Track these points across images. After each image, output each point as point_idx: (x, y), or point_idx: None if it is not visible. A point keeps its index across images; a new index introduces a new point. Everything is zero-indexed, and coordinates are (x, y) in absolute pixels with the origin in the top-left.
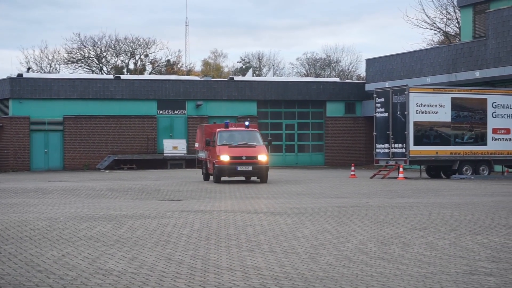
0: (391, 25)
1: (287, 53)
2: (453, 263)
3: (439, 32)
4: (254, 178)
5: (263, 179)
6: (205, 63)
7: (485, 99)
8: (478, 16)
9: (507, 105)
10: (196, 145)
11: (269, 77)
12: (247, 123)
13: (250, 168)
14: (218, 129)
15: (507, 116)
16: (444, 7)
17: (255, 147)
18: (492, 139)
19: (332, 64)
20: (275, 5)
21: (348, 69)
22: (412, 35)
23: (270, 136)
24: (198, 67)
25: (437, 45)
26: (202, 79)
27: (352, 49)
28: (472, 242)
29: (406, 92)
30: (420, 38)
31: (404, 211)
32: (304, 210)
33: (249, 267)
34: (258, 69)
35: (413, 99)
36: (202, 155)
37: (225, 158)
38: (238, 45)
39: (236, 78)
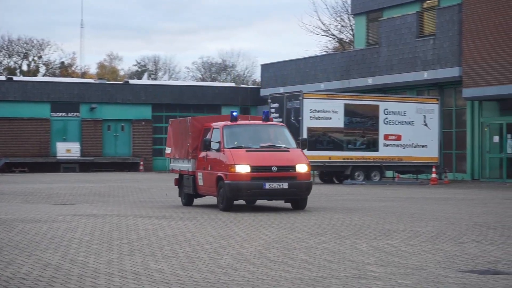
0: (285, 30)
1: (181, 57)
2: (342, 267)
3: (334, 39)
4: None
5: (302, 203)
6: (101, 66)
7: (377, 106)
8: (372, 24)
9: (398, 111)
10: (168, 150)
11: (165, 81)
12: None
13: (285, 185)
14: (223, 124)
15: (398, 122)
16: (339, 14)
17: (288, 151)
18: (384, 145)
19: (228, 69)
20: (165, 9)
21: (244, 74)
22: (307, 41)
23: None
24: (93, 70)
25: (331, 52)
26: (96, 82)
27: (248, 54)
28: (361, 246)
29: (300, 98)
30: (315, 45)
31: (296, 216)
32: (197, 215)
33: (141, 271)
34: (154, 73)
35: (307, 105)
36: (183, 165)
37: (243, 169)
38: (131, 48)
39: (131, 81)
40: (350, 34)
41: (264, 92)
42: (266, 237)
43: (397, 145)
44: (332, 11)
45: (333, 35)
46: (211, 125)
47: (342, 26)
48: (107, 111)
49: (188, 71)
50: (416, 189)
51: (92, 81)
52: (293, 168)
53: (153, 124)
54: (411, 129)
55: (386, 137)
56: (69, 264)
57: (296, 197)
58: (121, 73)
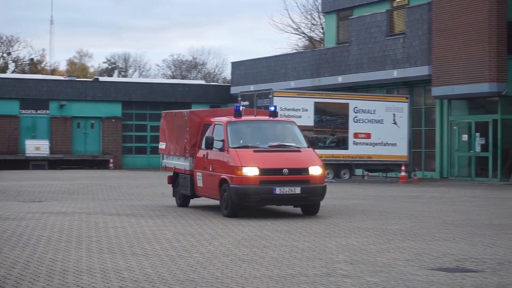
0: (255, 28)
1: (151, 55)
2: (311, 265)
3: (304, 37)
4: None
5: (314, 209)
6: (71, 63)
7: (347, 104)
8: (342, 22)
9: (368, 110)
10: (162, 145)
11: (135, 78)
12: (272, 108)
13: (298, 190)
14: (226, 119)
15: (368, 121)
16: (309, 12)
17: (300, 151)
18: (353, 143)
19: (198, 67)
20: (135, 5)
21: (214, 71)
22: (277, 39)
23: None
24: (63, 67)
25: (302, 50)
26: (66, 79)
27: (218, 51)
28: (331, 244)
29: (270, 96)
30: (285, 43)
31: (265, 214)
32: (167, 212)
33: (109, 269)
34: (124, 70)
35: (277, 103)
36: (179, 163)
37: (251, 172)
38: (101, 45)
39: (101, 78)
40: (320, 32)
41: (234, 90)
42: (236, 235)
43: (367, 143)
44: (303, 9)
45: (304, 33)
46: (212, 120)
47: (313, 24)
48: (76, 108)
49: (158, 69)
50: (385, 187)
51: (61, 78)
52: (306, 170)
53: (123, 121)
54: (380, 127)
55: (355, 135)
56: (37, 262)
57: (309, 203)
58: (91, 70)
